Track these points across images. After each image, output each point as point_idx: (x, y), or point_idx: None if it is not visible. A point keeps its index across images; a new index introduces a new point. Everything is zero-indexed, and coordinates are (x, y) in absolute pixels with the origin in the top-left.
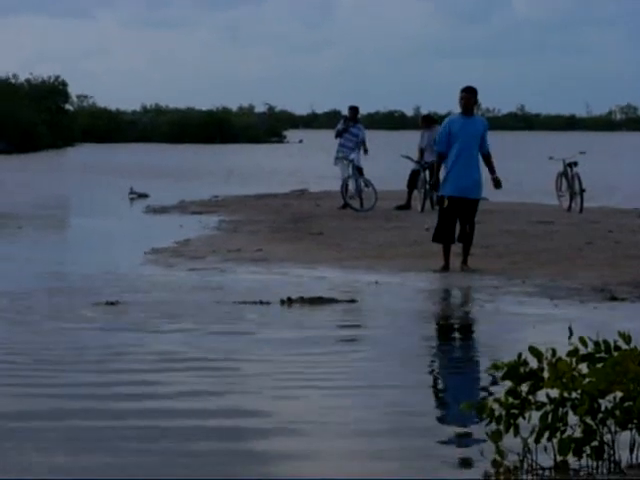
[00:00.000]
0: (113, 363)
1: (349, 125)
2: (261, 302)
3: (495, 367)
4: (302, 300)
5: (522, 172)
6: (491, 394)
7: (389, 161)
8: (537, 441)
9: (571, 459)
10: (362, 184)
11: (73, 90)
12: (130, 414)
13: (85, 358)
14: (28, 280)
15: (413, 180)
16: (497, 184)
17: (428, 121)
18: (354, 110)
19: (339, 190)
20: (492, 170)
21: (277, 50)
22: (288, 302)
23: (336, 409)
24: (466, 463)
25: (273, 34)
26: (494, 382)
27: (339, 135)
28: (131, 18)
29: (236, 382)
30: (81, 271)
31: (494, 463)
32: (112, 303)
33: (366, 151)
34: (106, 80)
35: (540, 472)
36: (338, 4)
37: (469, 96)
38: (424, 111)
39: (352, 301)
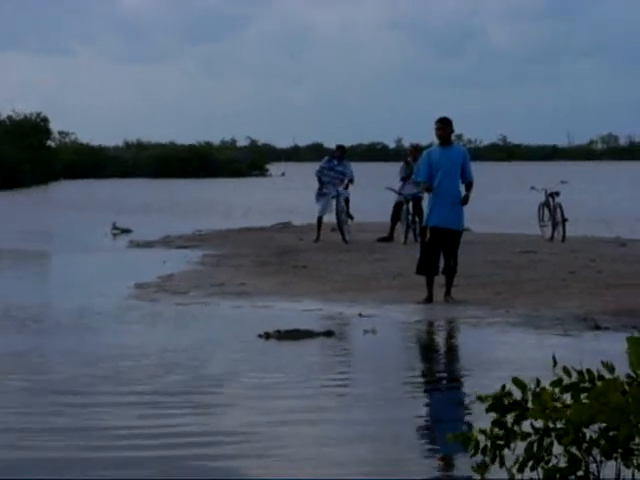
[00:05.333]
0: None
1: (334, 164)
2: (240, 337)
3: (480, 399)
4: (279, 334)
5: (504, 203)
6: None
7: (372, 193)
8: (520, 470)
9: None
10: (344, 218)
11: (55, 126)
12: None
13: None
14: (9, 314)
15: (397, 212)
16: (464, 200)
17: (418, 151)
18: (341, 149)
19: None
20: (467, 190)
21: (257, 83)
22: (265, 336)
23: (313, 454)
24: None
25: (252, 67)
26: (476, 417)
27: (320, 174)
28: (110, 53)
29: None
30: (62, 307)
31: None
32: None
33: (351, 181)
34: (87, 116)
35: None
36: (315, 36)
37: (443, 126)
38: (406, 143)
39: (329, 334)
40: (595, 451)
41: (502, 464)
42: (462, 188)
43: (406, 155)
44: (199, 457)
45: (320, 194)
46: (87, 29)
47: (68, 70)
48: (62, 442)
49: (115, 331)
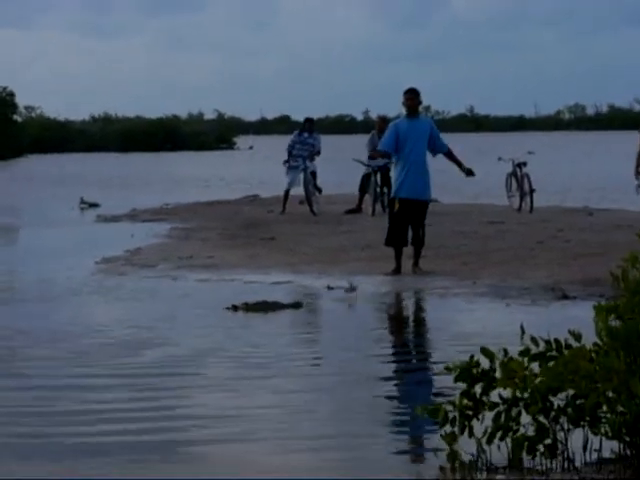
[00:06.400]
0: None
1: (305, 137)
2: (208, 310)
3: (448, 369)
4: (247, 306)
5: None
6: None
7: (340, 165)
8: (490, 441)
9: (525, 458)
10: (312, 190)
11: (19, 100)
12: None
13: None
14: None
15: (365, 184)
16: (469, 173)
17: (385, 123)
18: (310, 122)
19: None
20: (459, 164)
21: (223, 56)
22: (233, 309)
23: (283, 419)
24: (421, 462)
25: (218, 39)
26: (445, 389)
27: (291, 148)
28: (74, 26)
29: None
30: (28, 281)
31: (449, 457)
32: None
33: (318, 153)
34: (53, 90)
35: (494, 471)
36: (280, 9)
37: (412, 97)
38: (373, 114)
39: (297, 305)
40: (562, 419)
41: (471, 434)
42: (429, 159)
43: (374, 127)
44: (168, 441)
45: (290, 167)
46: (48, 1)
47: (30, 44)
48: (24, 427)
49: (82, 306)
